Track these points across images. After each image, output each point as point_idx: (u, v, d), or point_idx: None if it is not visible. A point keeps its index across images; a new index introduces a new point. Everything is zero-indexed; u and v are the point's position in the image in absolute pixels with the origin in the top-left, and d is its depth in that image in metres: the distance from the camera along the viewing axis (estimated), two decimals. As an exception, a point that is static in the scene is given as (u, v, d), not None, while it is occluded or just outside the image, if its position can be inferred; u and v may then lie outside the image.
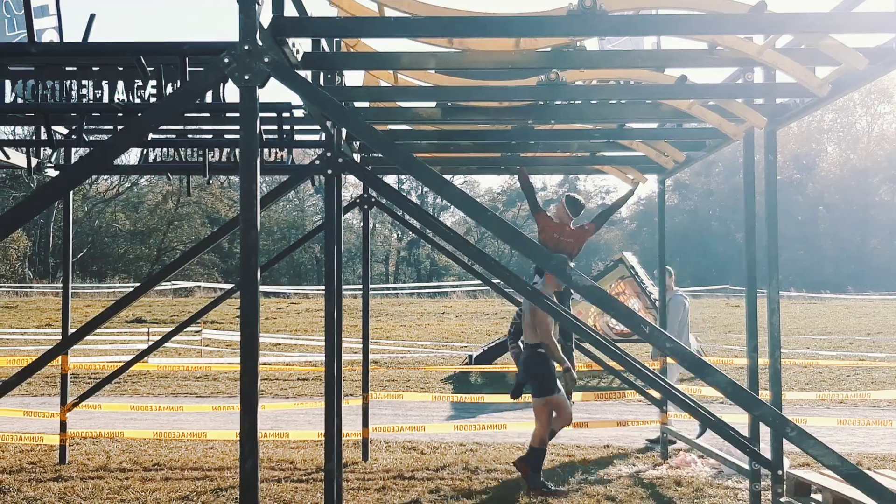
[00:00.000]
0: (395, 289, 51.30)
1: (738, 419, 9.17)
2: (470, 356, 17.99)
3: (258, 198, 4.25)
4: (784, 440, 7.08)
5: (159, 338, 10.55)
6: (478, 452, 10.54)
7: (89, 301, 37.51)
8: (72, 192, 9.54)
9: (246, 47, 4.24)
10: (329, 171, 7.06)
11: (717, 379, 4.69)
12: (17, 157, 9.05)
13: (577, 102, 7.24)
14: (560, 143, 8.98)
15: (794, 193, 63.43)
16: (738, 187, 64.79)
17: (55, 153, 9.73)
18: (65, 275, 10.27)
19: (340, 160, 7.09)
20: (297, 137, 9.01)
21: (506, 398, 12.57)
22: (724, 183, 68.62)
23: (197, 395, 15.61)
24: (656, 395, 10.25)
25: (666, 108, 7.15)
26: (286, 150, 9.21)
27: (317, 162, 7.21)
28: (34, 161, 9.33)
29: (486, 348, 18.15)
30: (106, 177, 59.60)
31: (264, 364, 15.91)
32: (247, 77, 4.23)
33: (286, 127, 8.64)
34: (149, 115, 4.57)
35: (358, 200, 10.07)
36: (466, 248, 7.88)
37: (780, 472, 7.05)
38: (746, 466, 7.53)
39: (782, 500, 7.06)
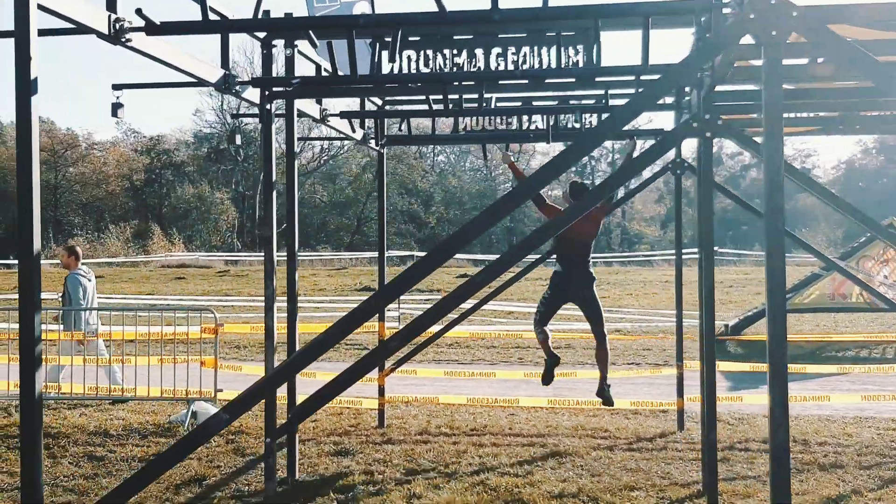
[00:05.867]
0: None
1: None
2: (726, 326, 17.45)
3: (782, 154, 4.06)
4: None
5: (466, 309, 10.56)
6: (799, 424, 10.14)
7: (303, 270, 38.60)
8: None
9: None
10: (708, 134, 6.87)
11: None
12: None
13: None
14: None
15: None
16: None
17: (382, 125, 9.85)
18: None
19: (718, 122, 6.90)
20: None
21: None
22: None
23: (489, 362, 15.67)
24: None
25: None
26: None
27: (694, 125, 7.02)
28: (360, 132, 9.52)
29: (741, 317, 17.63)
30: (309, 149, 61.34)
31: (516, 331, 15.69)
32: (773, 33, 4.05)
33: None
34: (671, 75, 4.45)
35: (670, 166, 9.83)
36: (834, 200, 7.42)
37: None
38: None
39: None
